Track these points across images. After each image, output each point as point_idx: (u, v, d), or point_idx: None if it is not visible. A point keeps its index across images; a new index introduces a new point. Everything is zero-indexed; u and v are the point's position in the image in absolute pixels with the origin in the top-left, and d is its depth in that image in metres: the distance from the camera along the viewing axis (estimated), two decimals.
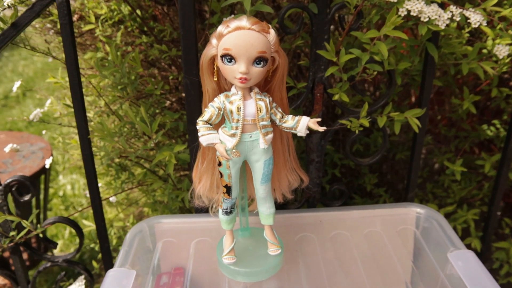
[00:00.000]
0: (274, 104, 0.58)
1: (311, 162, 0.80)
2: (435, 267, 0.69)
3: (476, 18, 0.65)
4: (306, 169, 0.81)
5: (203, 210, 0.77)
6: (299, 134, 0.59)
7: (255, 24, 0.52)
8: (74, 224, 0.79)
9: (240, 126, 0.56)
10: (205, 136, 0.56)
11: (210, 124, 0.57)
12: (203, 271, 0.72)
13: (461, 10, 0.66)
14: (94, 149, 0.85)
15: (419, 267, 0.72)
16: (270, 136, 0.57)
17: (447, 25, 0.76)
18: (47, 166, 0.93)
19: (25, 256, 1.38)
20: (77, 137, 0.94)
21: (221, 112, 0.56)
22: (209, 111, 0.56)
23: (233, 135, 0.56)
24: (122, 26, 0.89)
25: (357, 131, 0.70)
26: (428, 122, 1.10)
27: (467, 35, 0.80)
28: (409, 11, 0.64)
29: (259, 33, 0.52)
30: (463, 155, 1.04)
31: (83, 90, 0.93)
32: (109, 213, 1.57)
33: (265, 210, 0.63)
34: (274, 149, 0.63)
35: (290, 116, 0.59)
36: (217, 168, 0.60)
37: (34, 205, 1.32)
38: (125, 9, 0.87)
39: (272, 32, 0.54)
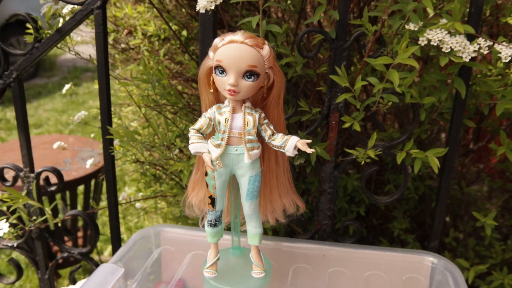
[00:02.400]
0: (266, 121, 0.58)
1: (322, 192, 0.76)
2: None
3: (507, 52, 0.59)
4: (318, 200, 0.77)
5: None
6: (287, 154, 0.57)
7: (248, 38, 0.53)
8: (91, 219, 0.83)
9: (226, 137, 0.56)
10: (194, 144, 0.57)
11: (202, 134, 0.58)
12: (192, 282, 0.72)
13: (491, 43, 0.60)
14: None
15: None
16: (256, 151, 0.57)
17: (490, 59, 0.70)
18: (87, 166, 1.00)
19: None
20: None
21: (212, 123, 0.57)
22: (201, 121, 0.58)
23: (218, 146, 0.56)
24: (167, 44, 0.95)
25: (362, 162, 0.66)
26: (472, 171, 1.00)
27: None
28: (429, 40, 0.61)
29: (252, 47, 0.53)
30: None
31: (127, 100, 1.01)
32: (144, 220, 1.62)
33: (251, 229, 0.62)
34: (267, 168, 0.61)
35: (280, 134, 0.58)
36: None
37: (82, 204, 1.42)
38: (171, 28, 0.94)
39: (266, 48, 0.54)
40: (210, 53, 0.55)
